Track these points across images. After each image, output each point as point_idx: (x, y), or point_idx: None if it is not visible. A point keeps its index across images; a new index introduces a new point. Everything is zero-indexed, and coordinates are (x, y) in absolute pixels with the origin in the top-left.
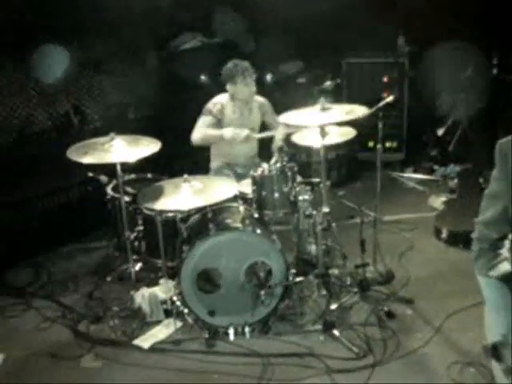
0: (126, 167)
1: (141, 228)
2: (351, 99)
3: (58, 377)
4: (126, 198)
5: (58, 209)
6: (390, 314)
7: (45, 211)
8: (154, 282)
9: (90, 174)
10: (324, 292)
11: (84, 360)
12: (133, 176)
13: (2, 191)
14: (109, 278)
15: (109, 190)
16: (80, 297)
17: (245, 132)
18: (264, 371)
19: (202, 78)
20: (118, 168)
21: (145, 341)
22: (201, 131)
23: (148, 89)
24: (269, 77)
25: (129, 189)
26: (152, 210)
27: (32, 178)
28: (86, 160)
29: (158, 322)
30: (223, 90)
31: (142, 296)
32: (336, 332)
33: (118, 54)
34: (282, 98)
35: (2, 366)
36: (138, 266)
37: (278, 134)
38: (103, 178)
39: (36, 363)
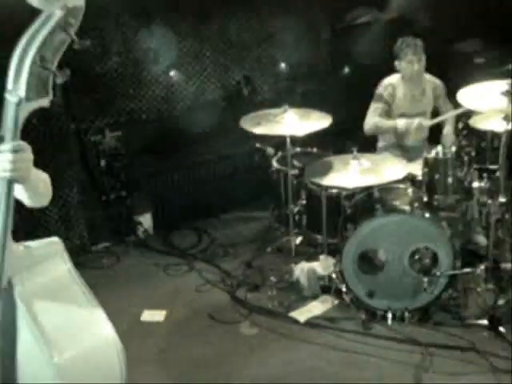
0: (293, 140)
1: (303, 202)
2: None
3: (216, 339)
4: (292, 171)
5: (224, 176)
6: None
7: (211, 178)
8: (313, 257)
9: (258, 145)
10: (491, 286)
11: (242, 326)
12: (298, 149)
13: (175, 155)
14: (268, 249)
15: (274, 161)
16: (239, 264)
17: (416, 121)
18: (423, 361)
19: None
20: (288, 141)
21: (301, 314)
22: (373, 122)
23: (318, 63)
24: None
25: (295, 162)
26: (317, 184)
27: (202, 145)
28: (258, 130)
29: (315, 298)
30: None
31: (301, 270)
32: (502, 329)
33: (291, 26)
34: (457, 78)
35: (164, 321)
36: (299, 240)
37: (451, 116)
38: (270, 150)
39: (196, 323)
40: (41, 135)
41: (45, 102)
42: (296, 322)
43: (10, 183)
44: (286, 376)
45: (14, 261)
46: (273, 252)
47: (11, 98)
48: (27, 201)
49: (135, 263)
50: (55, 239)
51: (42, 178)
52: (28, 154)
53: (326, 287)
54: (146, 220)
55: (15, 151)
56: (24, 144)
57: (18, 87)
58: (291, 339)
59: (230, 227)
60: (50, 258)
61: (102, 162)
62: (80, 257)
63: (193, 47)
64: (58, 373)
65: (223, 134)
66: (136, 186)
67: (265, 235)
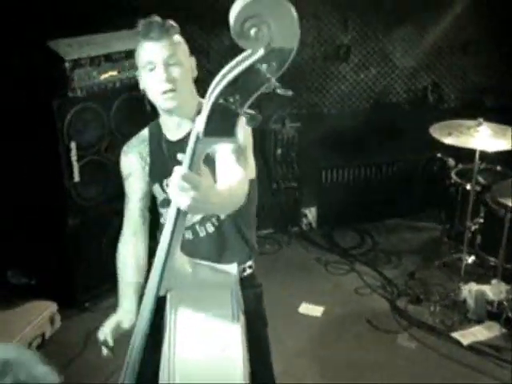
0: (480, 155)
1: (481, 220)
2: None
3: (372, 345)
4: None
5: (396, 181)
6: None
7: (382, 180)
8: (483, 280)
9: (439, 155)
10: None
11: (400, 337)
12: (483, 165)
13: (349, 153)
14: (436, 263)
15: (453, 174)
16: (401, 273)
17: None
18: None
19: None
20: (477, 155)
21: (463, 337)
22: None
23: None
24: None
25: (478, 178)
26: (501, 204)
27: (378, 145)
28: (448, 141)
29: (480, 322)
30: None
31: (469, 290)
32: None
33: (488, 34)
34: None
35: (321, 317)
36: (471, 259)
37: None
38: (451, 161)
39: (353, 325)
40: None
41: (231, 142)
42: (458, 343)
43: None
44: None
45: (177, 276)
46: (439, 267)
47: (196, 129)
48: None
49: (296, 254)
50: (231, 268)
51: (225, 196)
52: (193, 192)
53: (493, 313)
54: (311, 213)
55: (184, 180)
56: (196, 180)
57: (201, 119)
58: (451, 361)
59: (395, 234)
60: (216, 287)
61: (278, 151)
62: None
63: (385, 47)
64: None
65: (402, 137)
66: (306, 178)
67: (432, 248)
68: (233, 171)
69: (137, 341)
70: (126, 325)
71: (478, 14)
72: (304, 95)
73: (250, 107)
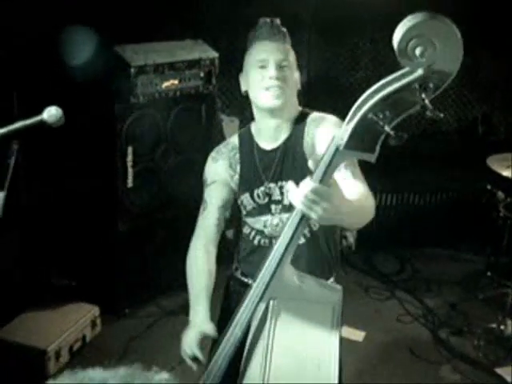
0: None
1: None
2: None
3: (415, 375)
4: None
5: (441, 209)
6: None
7: (427, 207)
8: None
9: (488, 187)
10: None
11: (443, 369)
12: None
13: (396, 178)
14: (481, 296)
15: (502, 207)
16: (442, 303)
17: None
18: None
19: None
20: None
21: (508, 373)
22: None
23: None
24: None
25: None
26: None
27: (425, 173)
28: (506, 173)
29: None
30: None
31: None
32: None
33: None
34: None
35: (363, 343)
36: None
37: None
38: (500, 194)
39: (394, 353)
40: None
41: (368, 158)
42: (502, 380)
43: (303, 215)
44: None
45: (284, 286)
46: (483, 299)
47: (335, 141)
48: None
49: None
50: (337, 287)
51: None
52: (325, 203)
53: None
54: (352, 235)
55: (315, 193)
56: (327, 193)
57: (344, 131)
58: None
59: (435, 263)
60: (319, 302)
61: None
62: None
63: None
64: None
65: (448, 166)
66: None
67: (473, 280)
68: (356, 185)
69: (227, 347)
70: (210, 333)
71: None
72: None
73: None
